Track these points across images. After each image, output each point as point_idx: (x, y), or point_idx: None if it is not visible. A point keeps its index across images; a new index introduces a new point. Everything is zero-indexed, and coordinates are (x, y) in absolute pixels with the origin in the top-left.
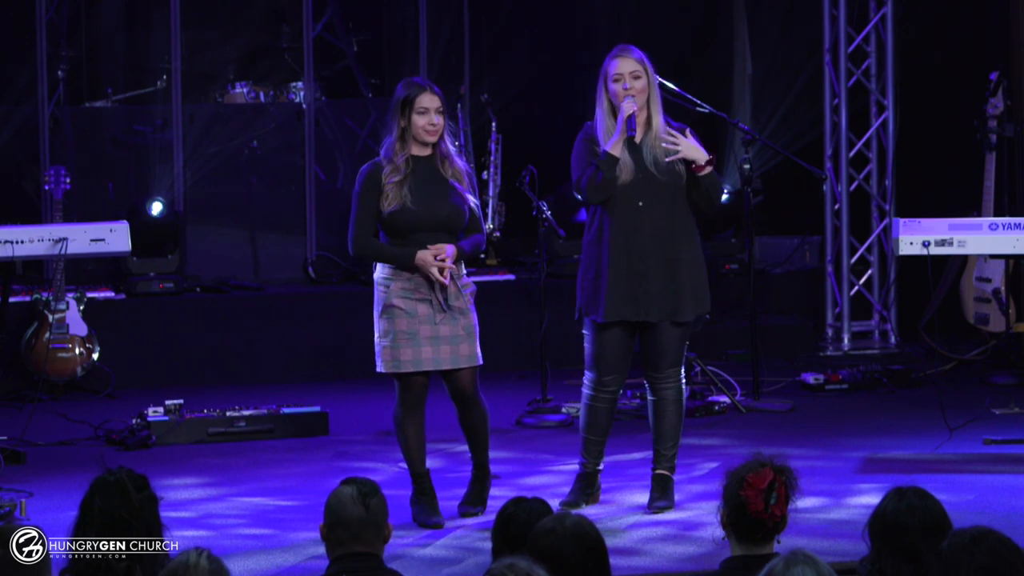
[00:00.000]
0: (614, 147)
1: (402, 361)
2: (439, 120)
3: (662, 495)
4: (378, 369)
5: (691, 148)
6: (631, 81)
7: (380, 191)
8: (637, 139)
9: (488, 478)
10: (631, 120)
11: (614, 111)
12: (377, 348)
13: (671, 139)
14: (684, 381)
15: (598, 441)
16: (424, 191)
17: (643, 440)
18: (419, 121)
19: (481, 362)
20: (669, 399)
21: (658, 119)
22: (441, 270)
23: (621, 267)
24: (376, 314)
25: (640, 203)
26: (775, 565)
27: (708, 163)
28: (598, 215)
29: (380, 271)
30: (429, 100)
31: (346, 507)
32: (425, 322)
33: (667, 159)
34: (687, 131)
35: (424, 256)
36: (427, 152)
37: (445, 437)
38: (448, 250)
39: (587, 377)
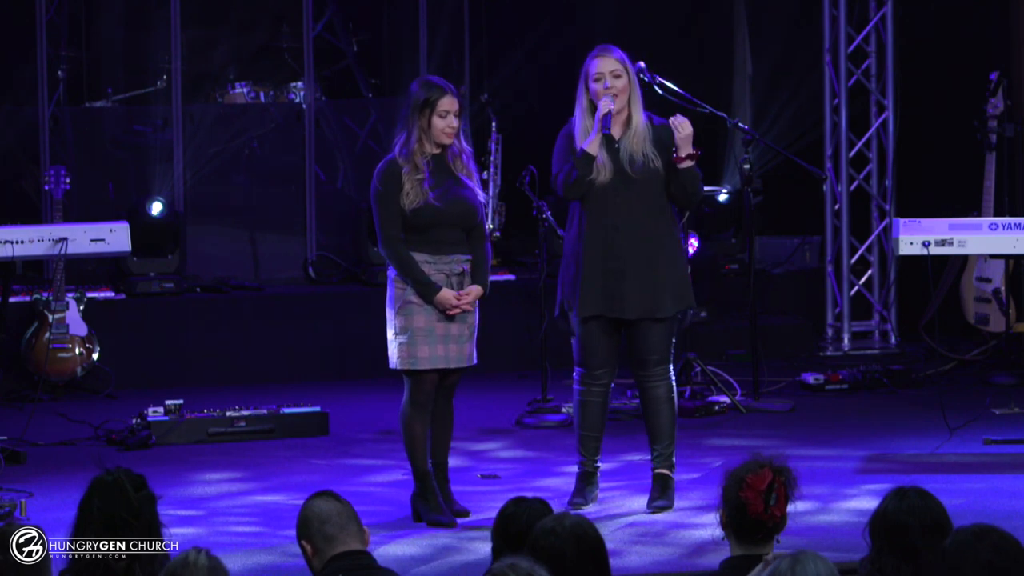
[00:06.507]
0: (591, 145)
1: (419, 358)
2: (457, 123)
3: (662, 494)
4: (391, 365)
5: (686, 139)
6: (612, 80)
7: (401, 188)
8: (616, 136)
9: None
10: (606, 118)
11: (593, 110)
12: (392, 345)
13: (679, 120)
14: (674, 378)
15: (594, 437)
16: (442, 188)
17: (643, 440)
18: (439, 124)
19: (476, 362)
20: (661, 397)
21: (639, 118)
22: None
23: (597, 263)
24: (391, 311)
25: (618, 200)
26: (780, 564)
27: (690, 157)
28: (577, 212)
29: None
30: (449, 103)
31: (320, 507)
32: (440, 320)
33: (641, 157)
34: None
35: (446, 299)
36: (439, 150)
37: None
38: (473, 292)
39: (577, 372)
